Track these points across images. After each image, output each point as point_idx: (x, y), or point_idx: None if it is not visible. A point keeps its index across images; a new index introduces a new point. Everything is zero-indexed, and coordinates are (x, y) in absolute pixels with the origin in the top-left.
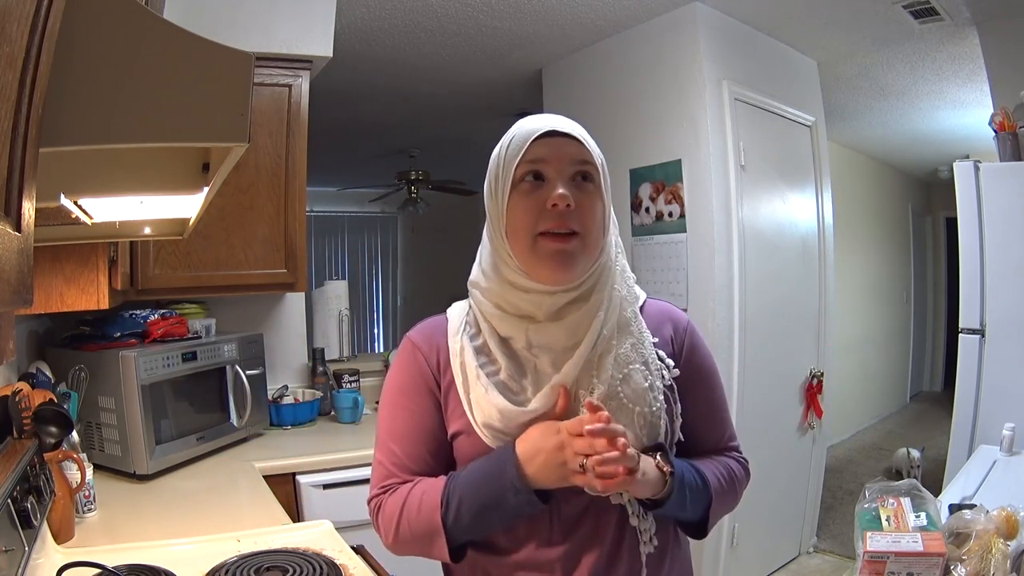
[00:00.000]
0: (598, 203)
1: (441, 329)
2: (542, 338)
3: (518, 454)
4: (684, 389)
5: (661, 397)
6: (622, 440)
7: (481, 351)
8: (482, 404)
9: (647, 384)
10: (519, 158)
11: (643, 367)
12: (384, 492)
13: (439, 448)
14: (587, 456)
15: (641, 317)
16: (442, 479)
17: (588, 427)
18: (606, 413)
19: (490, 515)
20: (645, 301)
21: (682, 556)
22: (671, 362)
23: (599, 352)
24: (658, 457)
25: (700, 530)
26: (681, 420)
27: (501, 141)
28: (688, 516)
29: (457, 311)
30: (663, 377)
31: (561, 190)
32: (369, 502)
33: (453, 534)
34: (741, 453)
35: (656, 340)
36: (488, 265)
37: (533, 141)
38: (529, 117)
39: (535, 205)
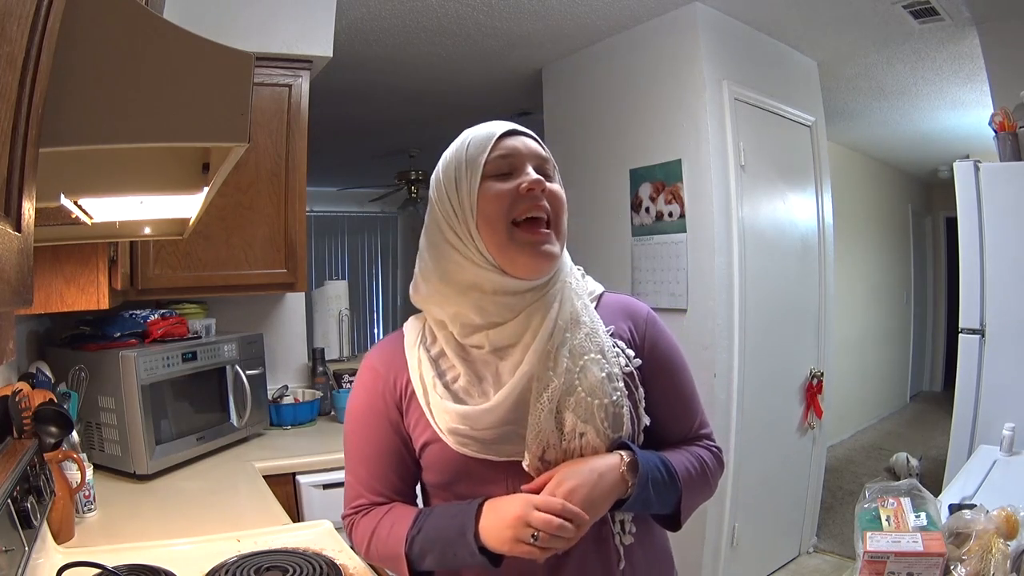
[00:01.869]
0: (561, 192)
1: (398, 344)
2: (502, 339)
3: (481, 523)
4: (649, 380)
5: (621, 385)
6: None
7: (438, 360)
8: (442, 412)
9: (604, 374)
10: (487, 154)
11: (599, 356)
12: (356, 512)
13: (404, 468)
14: (539, 531)
15: (591, 308)
16: (412, 512)
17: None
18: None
19: (449, 564)
20: (603, 294)
21: (660, 540)
22: (631, 352)
23: (555, 344)
24: (624, 460)
25: (674, 522)
26: (645, 404)
27: (453, 148)
28: (656, 511)
29: (412, 324)
30: (622, 365)
31: (535, 175)
32: (343, 519)
33: (417, 567)
34: (714, 441)
35: (612, 329)
36: (438, 277)
37: (500, 138)
38: (482, 124)
39: (509, 192)
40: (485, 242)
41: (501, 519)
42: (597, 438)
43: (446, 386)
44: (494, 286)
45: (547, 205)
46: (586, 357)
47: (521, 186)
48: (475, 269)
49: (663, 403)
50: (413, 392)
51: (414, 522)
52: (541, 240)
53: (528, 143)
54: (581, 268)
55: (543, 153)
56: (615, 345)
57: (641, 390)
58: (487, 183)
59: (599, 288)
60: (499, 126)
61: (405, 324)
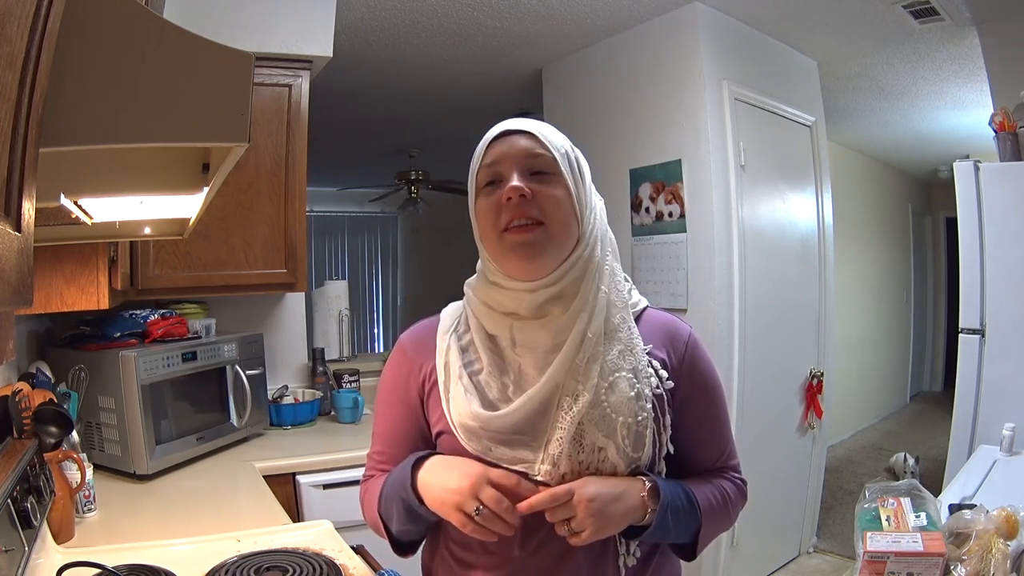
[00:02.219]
0: (561, 192)
1: (432, 329)
2: (525, 337)
3: (419, 476)
4: (683, 404)
5: (648, 406)
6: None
7: (467, 349)
8: (459, 404)
9: (633, 393)
10: (479, 164)
11: (631, 375)
12: (365, 481)
13: (416, 451)
14: (483, 507)
15: (632, 323)
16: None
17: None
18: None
19: (402, 522)
20: (645, 309)
21: (669, 566)
22: (665, 373)
23: (586, 357)
24: (646, 486)
25: (689, 553)
26: (670, 432)
27: None
28: (674, 540)
29: (450, 311)
30: (652, 386)
31: (514, 183)
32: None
33: (392, 529)
34: (740, 473)
35: (650, 348)
36: (478, 267)
37: (489, 145)
38: (498, 124)
39: (495, 204)
40: (486, 250)
41: (447, 480)
42: (616, 455)
43: (470, 376)
44: (506, 285)
45: (535, 210)
46: (617, 374)
47: (503, 197)
48: (489, 271)
49: (694, 428)
50: (436, 380)
51: (384, 481)
52: (525, 239)
53: (517, 143)
54: (630, 280)
55: (536, 150)
56: (650, 364)
57: (669, 416)
58: (480, 197)
59: (643, 302)
60: (496, 130)
61: (444, 309)
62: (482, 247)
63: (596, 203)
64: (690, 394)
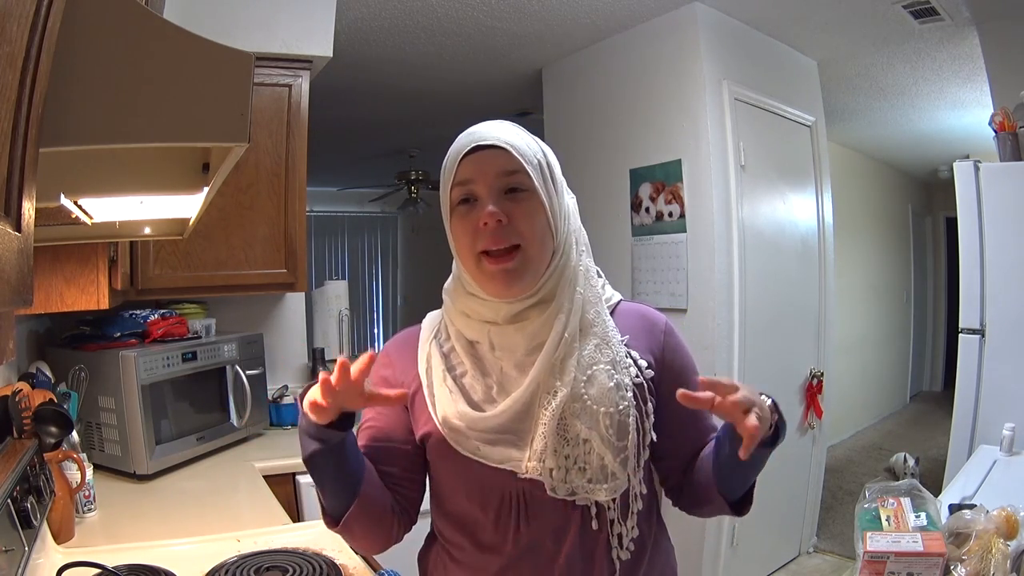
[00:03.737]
0: (537, 210)
1: (415, 336)
2: (503, 341)
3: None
4: (665, 392)
5: (629, 395)
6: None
7: (449, 355)
8: (445, 404)
9: (613, 384)
10: (451, 181)
11: (609, 366)
12: None
13: (398, 452)
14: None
15: (607, 317)
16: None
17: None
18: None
19: (316, 465)
20: (619, 303)
21: (663, 558)
22: (644, 362)
23: (561, 355)
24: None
25: (745, 502)
26: (653, 419)
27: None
28: (754, 476)
29: (430, 320)
30: (632, 375)
31: (490, 207)
32: None
33: (321, 496)
34: None
35: (627, 338)
36: (454, 275)
37: (461, 160)
38: (468, 129)
39: (471, 226)
40: (466, 271)
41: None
42: (601, 445)
43: (455, 380)
44: (483, 297)
45: (512, 236)
46: (595, 367)
47: (479, 222)
48: (465, 283)
49: (683, 413)
50: (420, 385)
51: None
52: (504, 268)
53: (489, 160)
54: (603, 275)
55: (510, 167)
56: (628, 355)
57: (651, 404)
58: (454, 216)
59: (616, 296)
60: (468, 139)
61: (424, 319)
62: (459, 264)
63: (569, 204)
64: (673, 381)
